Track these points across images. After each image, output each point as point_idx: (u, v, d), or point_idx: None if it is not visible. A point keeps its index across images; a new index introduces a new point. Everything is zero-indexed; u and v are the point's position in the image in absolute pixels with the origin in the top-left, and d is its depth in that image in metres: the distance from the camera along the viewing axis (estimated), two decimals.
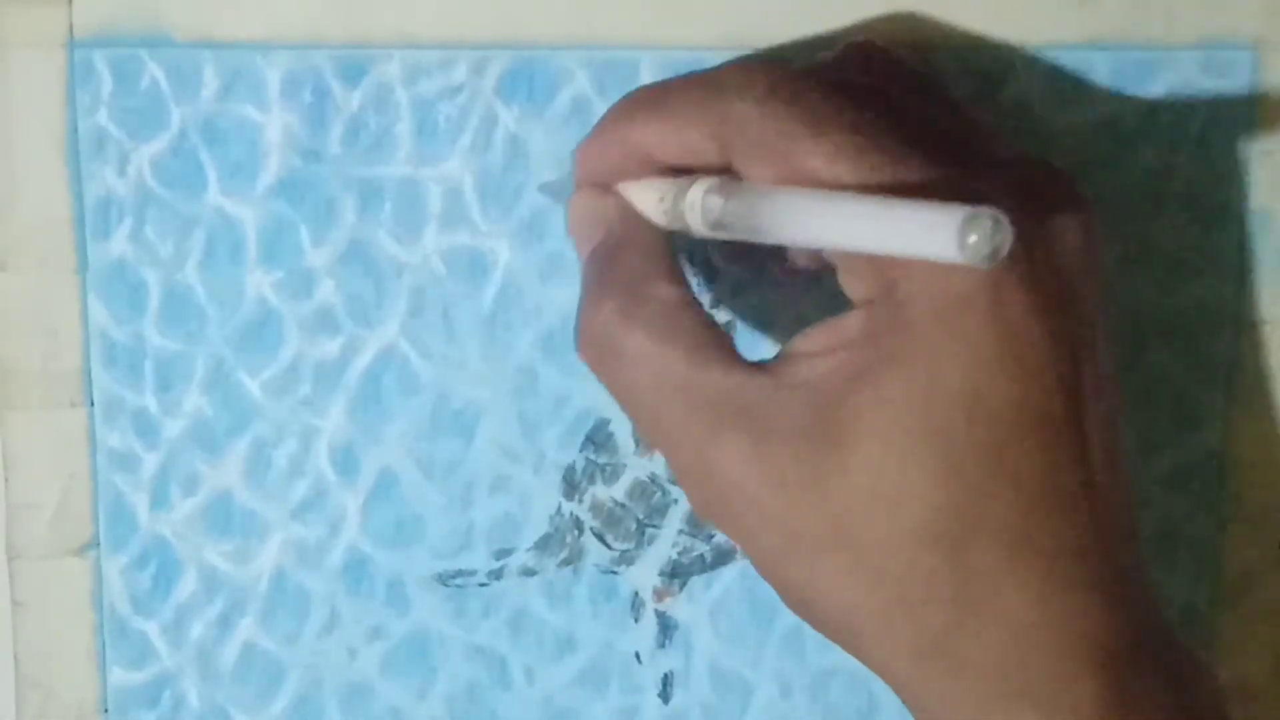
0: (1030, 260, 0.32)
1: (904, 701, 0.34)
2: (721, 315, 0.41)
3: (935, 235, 0.28)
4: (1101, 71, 0.41)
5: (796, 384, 0.33)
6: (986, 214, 0.28)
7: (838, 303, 0.34)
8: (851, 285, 0.33)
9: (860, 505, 0.32)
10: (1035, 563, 0.32)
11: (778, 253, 0.39)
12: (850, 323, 0.33)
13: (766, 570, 0.34)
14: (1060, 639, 0.32)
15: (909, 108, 0.35)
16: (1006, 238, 0.28)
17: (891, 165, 0.32)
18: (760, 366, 0.34)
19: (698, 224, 0.34)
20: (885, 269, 0.32)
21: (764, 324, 0.42)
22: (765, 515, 0.33)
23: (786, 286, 0.41)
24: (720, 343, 0.34)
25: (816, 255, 0.39)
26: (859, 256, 0.32)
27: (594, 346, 0.35)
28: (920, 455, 0.31)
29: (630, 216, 0.37)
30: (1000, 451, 0.31)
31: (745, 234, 0.33)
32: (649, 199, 0.36)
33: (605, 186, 0.37)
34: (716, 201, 0.34)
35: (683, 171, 0.36)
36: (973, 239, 0.28)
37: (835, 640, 0.34)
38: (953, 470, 0.31)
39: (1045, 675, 0.32)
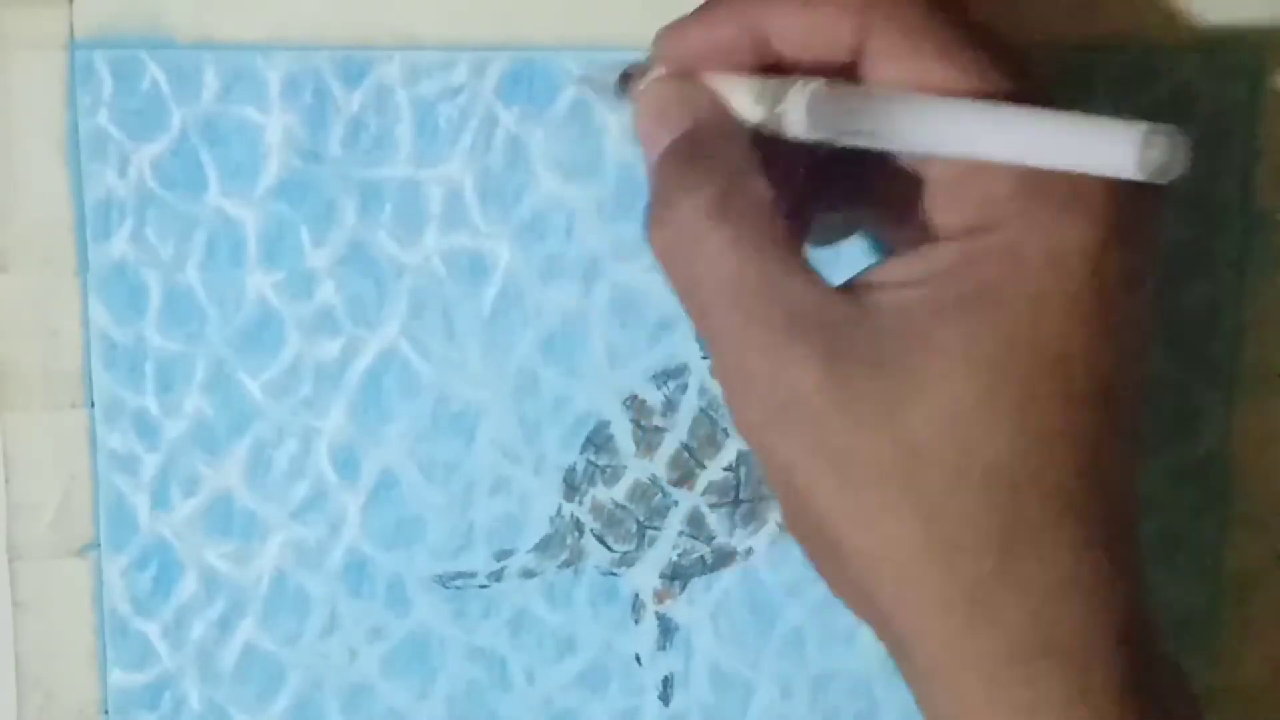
0: (1134, 230, 0.31)
1: (912, 661, 0.33)
2: None
3: (1114, 147, 0.28)
4: (1101, 72, 0.41)
5: (881, 309, 0.32)
6: (1166, 130, 0.28)
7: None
8: (950, 213, 0.32)
9: (929, 438, 0.31)
10: (1081, 523, 0.32)
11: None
12: (944, 253, 0.32)
13: (796, 494, 0.33)
14: (1093, 603, 0.32)
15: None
16: (1183, 157, 0.28)
17: (1026, 90, 0.32)
18: (844, 288, 0.33)
19: (800, 120, 0.33)
20: (993, 203, 0.31)
21: None
22: (825, 437, 0.32)
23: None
24: (803, 255, 0.33)
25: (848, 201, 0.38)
26: (967, 186, 0.32)
27: (673, 234, 0.33)
28: (1000, 397, 0.31)
29: (723, 108, 0.35)
30: (1073, 411, 0.31)
31: (857, 137, 0.32)
32: (740, 95, 0.35)
33: (687, 76, 0.36)
34: (830, 96, 0.33)
35: (776, 72, 0.34)
36: (1154, 153, 0.28)
37: (850, 589, 0.33)
38: (1027, 417, 0.31)
39: (1074, 637, 0.32)
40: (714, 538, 0.43)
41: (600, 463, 0.42)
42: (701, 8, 0.35)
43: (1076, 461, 0.31)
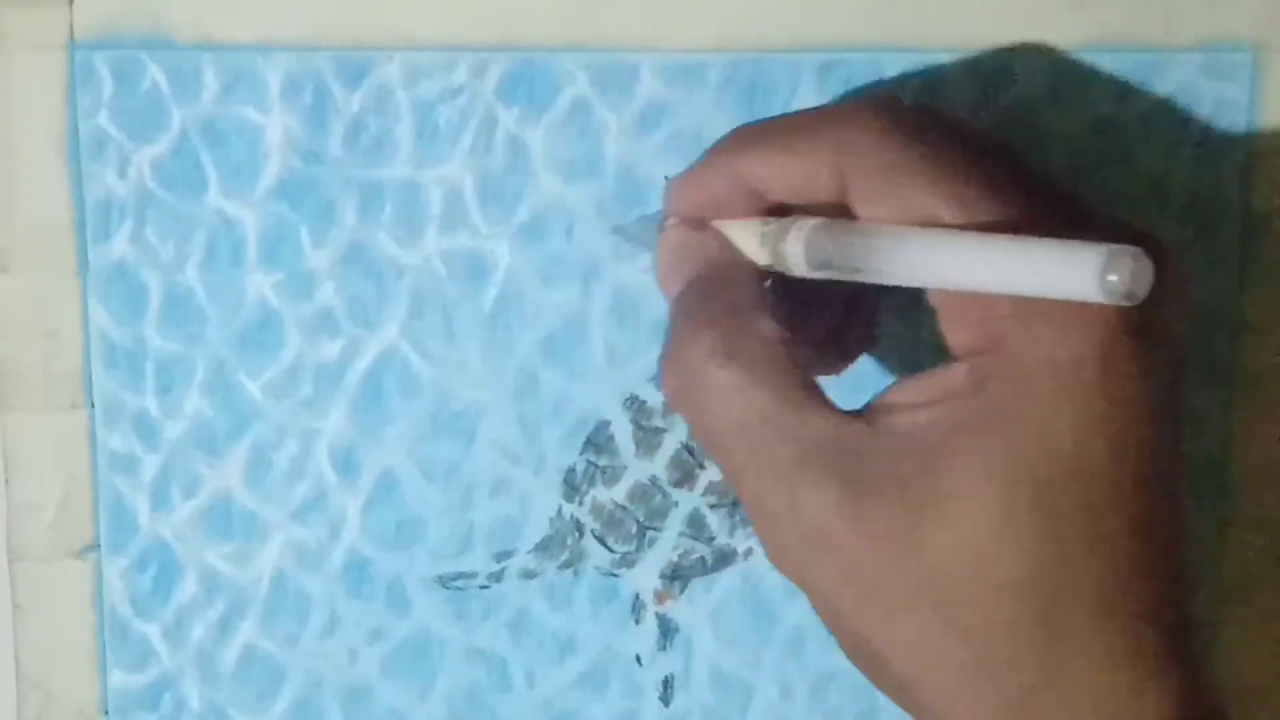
0: (1139, 325, 0.31)
1: None
2: None
3: (1075, 273, 0.28)
4: (1101, 72, 0.41)
5: (895, 434, 0.32)
6: (1127, 252, 0.28)
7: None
8: (956, 334, 0.33)
9: (955, 560, 0.31)
10: (1122, 628, 0.31)
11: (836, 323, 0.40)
12: (954, 374, 0.32)
13: (839, 622, 0.33)
14: (1141, 708, 0.32)
15: (1008, 159, 0.35)
16: (1147, 277, 0.28)
17: (1012, 211, 0.32)
18: (856, 414, 0.33)
19: (799, 261, 0.34)
20: (996, 320, 0.32)
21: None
22: (852, 565, 0.32)
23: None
24: (815, 387, 0.34)
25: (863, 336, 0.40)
26: (967, 308, 0.32)
27: (683, 378, 0.34)
28: (1021, 513, 0.31)
29: (731, 251, 0.36)
30: (1099, 515, 0.31)
31: (851, 273, 0.33)
32: (746, 238, 0.36)
33: (700, 222, 0.37)
34: (824, 237, 0.33)
35: (781, 213, 0.35)
36: (1113, 277, 0.28)
37: (903, 704, 0.34)
38: (1052, 530, 0.31)
39: None
40: (714, 538, 0.43)
41: (600, 463, 0.42)
42: (698, 161, 0.37)
43: (1111, 567, 0.31)
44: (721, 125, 0.40)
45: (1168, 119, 0.41)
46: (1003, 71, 0.40)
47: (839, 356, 0.40)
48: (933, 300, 0.33)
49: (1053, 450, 0.31)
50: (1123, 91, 0.41)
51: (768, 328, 0.34)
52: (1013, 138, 0.40)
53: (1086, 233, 0.31)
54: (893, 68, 0.40)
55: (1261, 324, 0.42)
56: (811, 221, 0.34)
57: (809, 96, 0.40)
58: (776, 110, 0.40)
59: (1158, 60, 0.41)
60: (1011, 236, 0.30)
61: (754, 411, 0.33)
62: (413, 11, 0.40)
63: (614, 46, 0.40)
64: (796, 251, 0.34)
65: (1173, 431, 0.33)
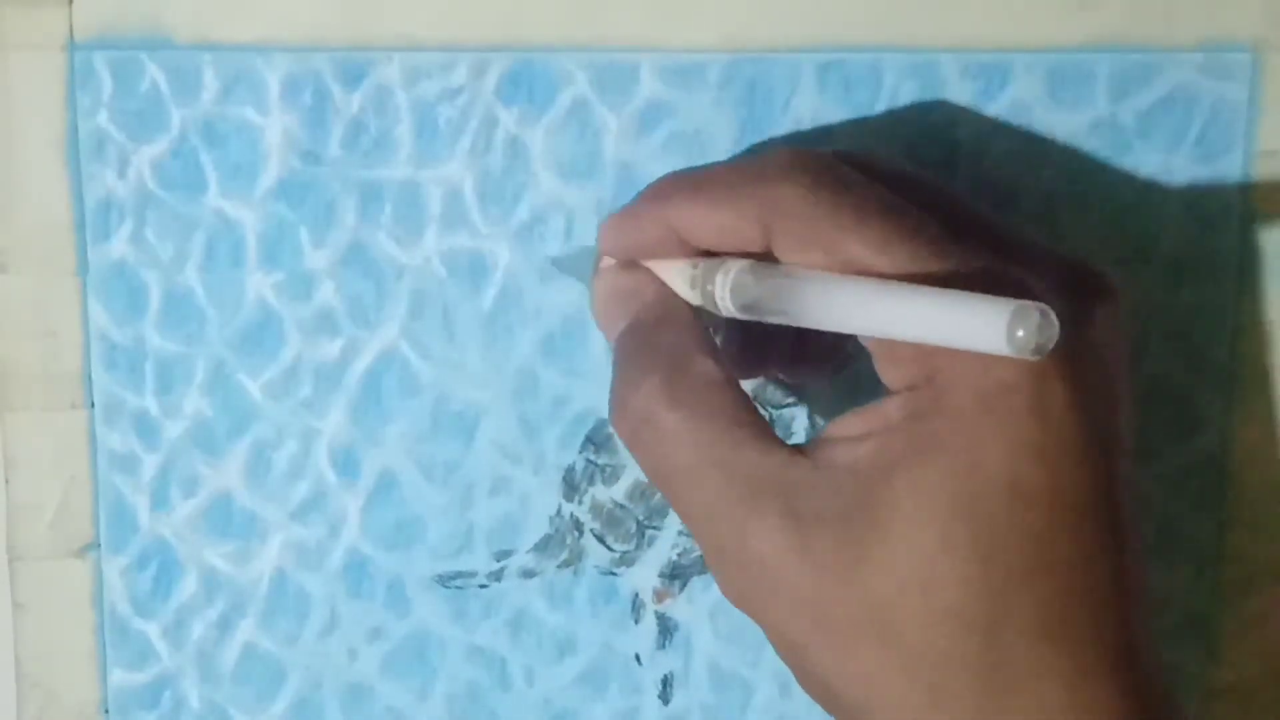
0: (1072, 351, 0.32)
1: None
2: None
3: (983, 328, 0.29)
4: (1101, 72, 0.41)
5: (835, 467, 0.33)
6: (1034, 308, 0.28)
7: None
8: (890, 371, 0.33)
9: (897, 589, 0.32)
10: (1066, 650, 0.32)
11: (788, 349, 0.40)
12: (889, 408, 0.33)
13: (792, 655, 0.34)
14: None
15: (941, 202, 0.35)
16: (1053, 332, 0.28)
17: (935, 255, 0.32)
18: (799, 449, 0.34)
19: (727, 304, 0.35)
20: (927, 356, 0.32)
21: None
22: (798, 598, 0.33)
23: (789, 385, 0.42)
24: (759, 422, 0.34)
25: (830, 348, 0.40)
26: (899, 346, 0.32)
27: (632, 422, 0.35)
28: (959, 541, 0.31)
29: (665, 293, 0.37)
30: (1037, 542, 0.32)
31: (777, 316, 0.33)
32: (676, 279, 0.37)
33: (632, 264, 0.38)
34: (749, 281, 0.34)
35: (712, 255, 0.36)
36: (1020, 333, 0.28)
37: None
38: (990, 556, 0.31)
39: None
40: None
41: (600, 462, 0.42)
42: (631, 204, 0.37)
43: (1052, 593, 0.32)
44: (721, 125, 0.40)
45: (1167, 118, 0.41)
46: (1003, 71, 0.40)
47: (819, 364, 0.40)
48: (864, 341, 0.34)
49: (987, 479, 0.31)
50: (1122, 91, 0.41)
51: (709, 368, 0.35)
52: (1012, 138, 0.40)
53: (1023, 272, 0.32)
54: (893, 68, 0.40)
55: (1261, 324, 0.42)
56: (738, 264, 0.34)
57: (809, 96, 0.40)
58: (776, 110, 0.40)
59: (1157, 60, 0.41)
60: (927, 288, 0.31)
61: (699, 453, 0.34)
62: (412, 11, 0.40)
63: (614, 46, 0.40)
64: (723, 294, 0.35)
65: (1114, 459, 0.33)
